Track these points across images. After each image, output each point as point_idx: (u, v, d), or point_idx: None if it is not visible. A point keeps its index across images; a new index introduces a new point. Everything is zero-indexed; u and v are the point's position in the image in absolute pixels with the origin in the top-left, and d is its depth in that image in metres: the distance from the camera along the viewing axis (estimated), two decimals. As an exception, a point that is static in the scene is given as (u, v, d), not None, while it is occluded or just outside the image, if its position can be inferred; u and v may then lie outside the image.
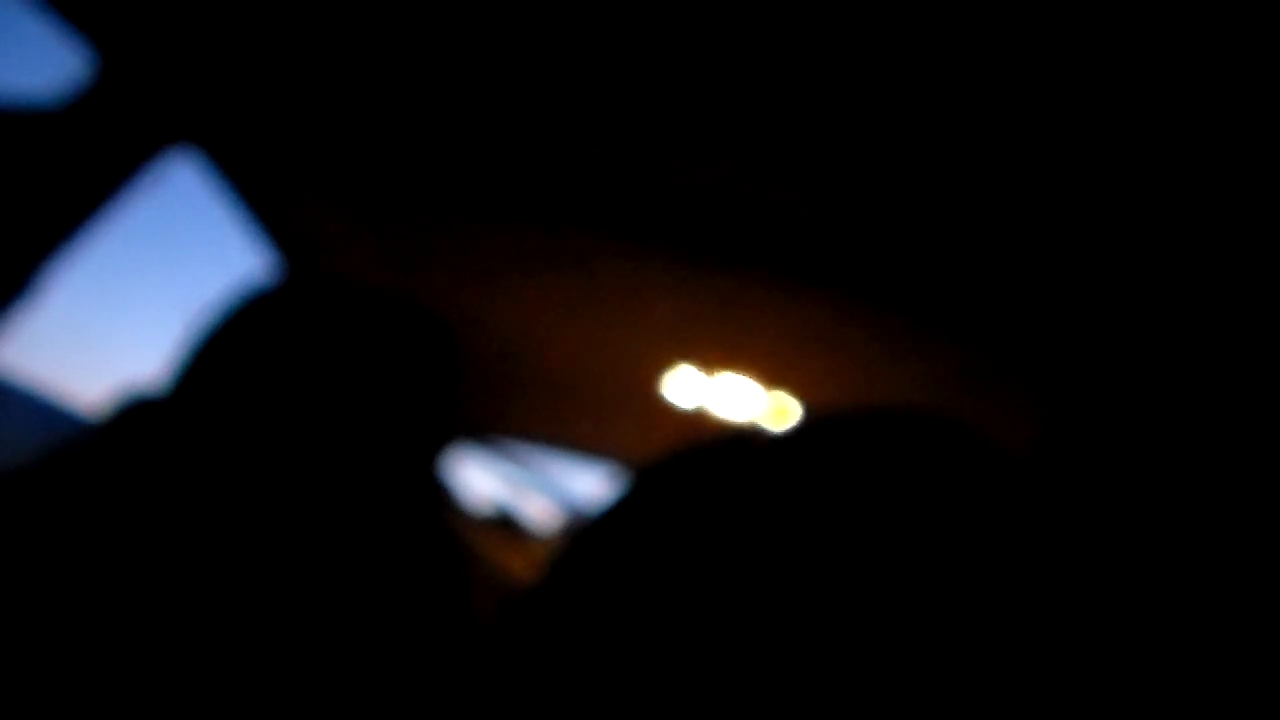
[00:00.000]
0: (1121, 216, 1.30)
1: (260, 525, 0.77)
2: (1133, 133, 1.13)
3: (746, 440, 0.50)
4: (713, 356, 2.13)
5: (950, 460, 0.46)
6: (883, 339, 1.84)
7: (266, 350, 0.82)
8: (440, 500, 0.90)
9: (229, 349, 0.84)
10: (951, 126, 1.21)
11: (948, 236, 1.47)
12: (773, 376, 2.16)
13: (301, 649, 0.75)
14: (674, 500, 0.47)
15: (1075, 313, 1.56)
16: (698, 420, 2.39)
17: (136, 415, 0.82)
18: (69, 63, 1.46)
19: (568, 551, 0.50)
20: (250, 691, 0.72)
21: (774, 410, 2.21)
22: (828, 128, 1.29)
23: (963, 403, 1.93)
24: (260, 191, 1.87)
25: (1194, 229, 1.26)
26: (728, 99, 1.29)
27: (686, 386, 2.27)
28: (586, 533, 0.50)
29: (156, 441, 0.80)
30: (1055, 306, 1.56)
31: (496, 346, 2.34)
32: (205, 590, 0.74)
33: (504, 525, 3.16)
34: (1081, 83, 1.07)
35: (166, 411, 0.82)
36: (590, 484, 3.29)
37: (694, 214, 1.59)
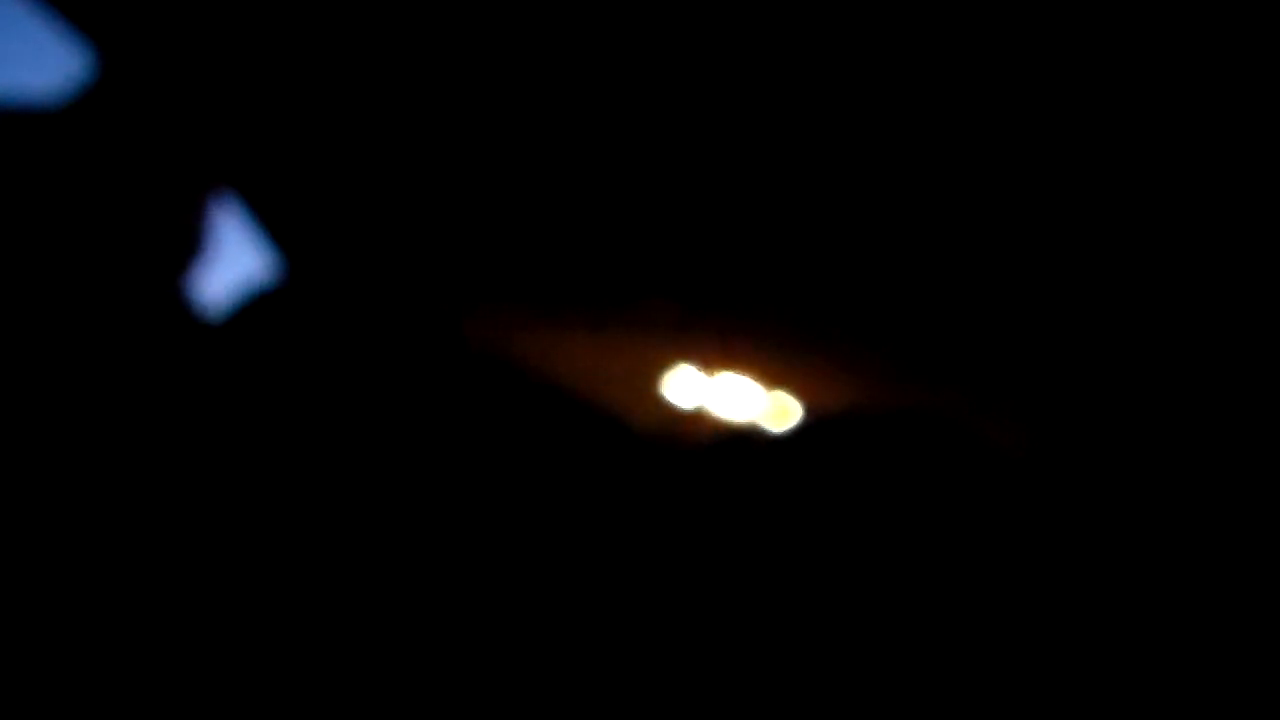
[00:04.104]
0: (1115, 221, 1.30)
1: (258, 525, 0.77)
2: (1123, 139, 1.13)
3: (746, 440, 0.50)
4: (713, 356, 2.13)
5: (950, 460, 0.46)
6: (882, 339, 1.84)
7: (266, 350, 0.82)
8: (438, 500, 0.90)
9: (229, 348, 0.84)
10: (949, 133, 1.21)
11: (947, 237, 1.47)
12: (773, 376, 2.15)
13: (297, 648, 0.75)
14: (673, 500, 0.47)
15: (1073, 310, 1.56)
16: (698, 420, 2.39)
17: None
18: (69, 63, 1.46)
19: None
20: (247, 691, 0.72)
21: (774, 410, 2.21)
22: (828, 131, 1.29)
23: (961, 403, 1.93)
24: (260, 191, 1.86)
25: (1186, 232, 1.26)
26: (731, 102, 1.28)
27: (686, 386, 2.26)
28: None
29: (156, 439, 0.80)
30: (1052, 305, 1.56)
31: (496, 346, 2.33)
32: (203, 589, 0.74)
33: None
34: (1071, 91, 1.07)
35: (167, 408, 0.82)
36: (590, 484, 3.27)
37: (694, 214, 1.59)
